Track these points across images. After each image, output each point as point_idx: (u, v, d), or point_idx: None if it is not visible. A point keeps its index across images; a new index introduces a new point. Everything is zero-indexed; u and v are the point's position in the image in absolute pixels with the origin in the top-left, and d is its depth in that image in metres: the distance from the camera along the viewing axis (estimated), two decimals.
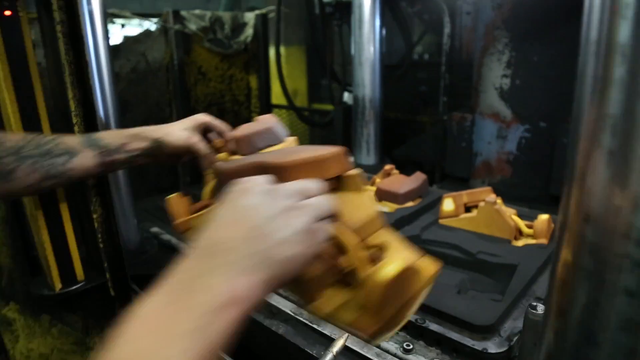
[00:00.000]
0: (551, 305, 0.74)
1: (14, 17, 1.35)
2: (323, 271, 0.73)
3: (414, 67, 3.82)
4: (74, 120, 1.48)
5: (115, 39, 3.42)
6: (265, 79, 4.17)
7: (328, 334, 1.37)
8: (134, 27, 3.48)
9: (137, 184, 3.82)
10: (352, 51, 3.05)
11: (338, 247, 0.74)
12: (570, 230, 0.65)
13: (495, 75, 2.62)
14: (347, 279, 0.74)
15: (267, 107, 4.30)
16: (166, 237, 2.04)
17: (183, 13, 3.54)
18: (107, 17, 3.20)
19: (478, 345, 1.24)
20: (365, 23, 2.91)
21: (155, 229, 2.11)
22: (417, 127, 4.11)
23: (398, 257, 0.76)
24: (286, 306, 1.50)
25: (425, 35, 3.83)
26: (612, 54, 0.54)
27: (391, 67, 3.65)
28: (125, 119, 3.45)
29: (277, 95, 4.48)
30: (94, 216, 1.57)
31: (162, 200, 3.54)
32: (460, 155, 2.93)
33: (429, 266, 0.82)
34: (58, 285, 1.54)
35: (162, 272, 1.61)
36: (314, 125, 4.36)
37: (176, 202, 1.08)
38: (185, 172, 4.02)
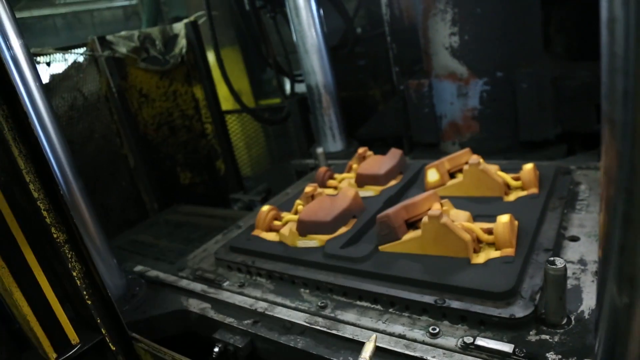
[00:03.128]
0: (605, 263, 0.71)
1: None
2: None
3: (359, 42, 3.78)
4: (27, 179, 1.35)
5: (44, 78, 3.21)
6: (210, 86, 4.03)
7: (349, 336, 1.33)
8: (60, 62, 3.26)
9: (104, 223, 3.64)
10: (295, 39, 2.96)
11: None
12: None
13: (443, 35, 2.60)
14: None
15: (219, 115, 4.17)
16: (153, 273, 1.93)
17: (109, 37, 3.35)
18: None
19: (504, 312, 1.22)
20: (302, 9, 2.82)
21: (138, 268, 1.99)
22: (371, 102, 4.09)
23: None
24: (299, 318, 1.44)
25: (360, 8, 3.78)
26: None
27: (336, 47, 3.59)
28: (75, 159, 3.26)
29: (225, 99, 4.36)
30: (74, 273, 1.45)
31: (134, 233, 3.35)
32: (425, 121, 2.92)
33: None
34: (53, 355, 1.41)
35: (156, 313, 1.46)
36: (271, 123, 4.27)
37: None
38: (151, 199, 3.85)
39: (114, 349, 1.55)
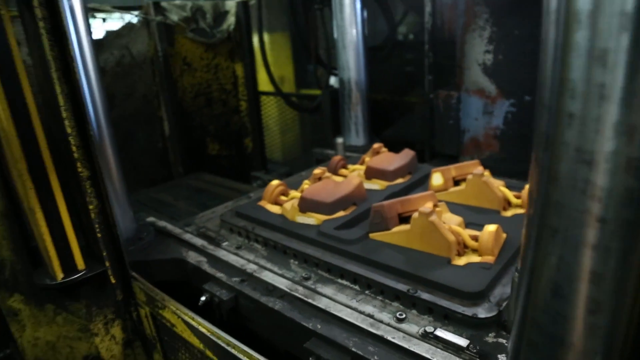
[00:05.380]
0: (524, 263, 0.79)
1: None
2: None
3: (399, 47, 3.85)
4: (64, 115, 1.51)
5: (98, 33, 3.42)
6: (251, 66, 4.18)
7: (323, 307, 1.43)
8: (116, 20, 3.47)
9: (130, 176, 3.85)
10: (335, 35, 3.07)
11: None
12: (538, 192, 0.70)
13: (478, 51, 2.66)
14: None
15: (254, 95, 4.32)
16: (161, 224, 2.08)
17: (164, 4, 3.54)
18: (88, 12, 3.20)
19: (468, 311, 1.31)
20: (346, 6, 2.92)
21: (151, 219, 2.15)
22: (405, 107, 4.15)
23: None
24: (281, 283, 1.56)
25: (407, 15, 3.84)
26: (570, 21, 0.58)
27: (375, 48, 3.67)
28: (114, 112, 3.47)
29: (264, 82, 4.50)
30: (90, 207, 1.61)
31: (156, 191, 3.55)
32: (449, 132, 2.98)
33: None
34: (60, 275, 1.58)
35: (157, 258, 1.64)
36: (302, 110, 4.39)
37: None
38: (177, 163, 4.04)
39: (114, 282, 1.71)
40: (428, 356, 1.21)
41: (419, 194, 1.70)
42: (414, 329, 1.32)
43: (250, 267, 1.67)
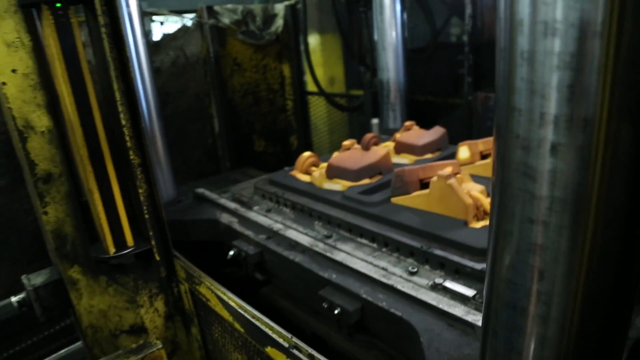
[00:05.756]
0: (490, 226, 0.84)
1: (66, 22, 1.59)
2: None
3: (441, 49, 3.89)
4: (119, 109, 1.72)
5: (156, 36, 3.70)
6: (298, 67, 4.35)
7: (340, 260, 1.53)
8: (172, 23, 3.74)
9: (180, 169, 4.12)
10: (375, 36, 3.18)
11: None
12: (495, 174, 0.77)
13: None
14: None
15: (301, 95, 4.50)
16: (200, 190, 2.26)
17: (216, 8, 3.77)
18: (147, 16, 3.48)
19: (478, 266, 1.35)
20: (387, 8, 3.02)
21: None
22: (446, 108, 4.18)
23: None
24: (304, 240, 1.68)
25: (450, 18, 3.87)
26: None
27: (416, 50, 3.74)
28: (168, 109, 3.74)
29: (312, 85, 4.66)
30: (140, 191, 1.82)
31: (204, 184, 3.78)
32: (485, 134, 2.99)
33: None
34: (112, 250, 1.79)
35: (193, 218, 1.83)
36: (344, 110, 4.51)
37: None
38: (225, 158, 4.28)
39: (159, 259, 1.91)
40: (434, 303, 1.27)
41: (442, 162, 1.75)
42: (424, 281, 1.39)
43: (277, 227, 1.80)
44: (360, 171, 1.92)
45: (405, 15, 3.10)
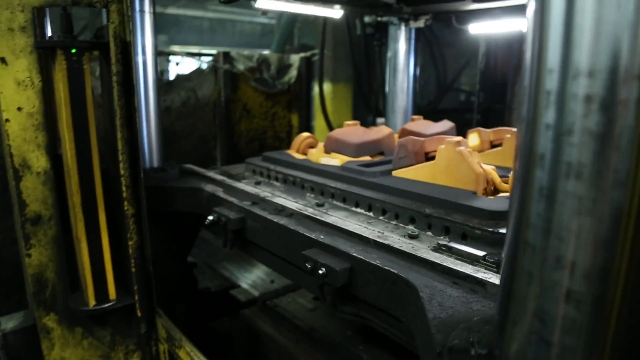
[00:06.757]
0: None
1: (79, 68, 1.58)
2: None
3: (451, 90, 3.92)
4: (120, 158, 1.68)
5: (171, 74, 3.74)
6: (307, 117, 4.38)
7: (330, 222, 1.35)
8: (187, 64, 3.79)
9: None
10: (387, 98, 3.19)
11: None
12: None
13: None
14: None
15: None
16: (188, 166, 2.15)
17: (233, 54, 3.83)
18: (163, 56, 3.52)
19: (489, 227, 1.19)
20: (400, 72, 3.04)
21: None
22: None
23: None
24: (292, 205, 1.52)
25: (463, 69, 3.89)
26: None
27: (425, 110, 3.77)
28: (173, 148, 3.73)
29: (320, 130, 4.68)
30: (130, 243, 1.75)
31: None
32: None
33: None
34: (92, 302, 1.71)
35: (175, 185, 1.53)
36: None
37: None
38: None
39: (140, 315, 1.82)
40: (437, 261, 1.08)
41: (449, 136, 1.58)
42: (425, 245, 1.19)
43: (264, 194, 1.65)
44: (361, 146, 1.75)
45: (418, 71, 3.13)
